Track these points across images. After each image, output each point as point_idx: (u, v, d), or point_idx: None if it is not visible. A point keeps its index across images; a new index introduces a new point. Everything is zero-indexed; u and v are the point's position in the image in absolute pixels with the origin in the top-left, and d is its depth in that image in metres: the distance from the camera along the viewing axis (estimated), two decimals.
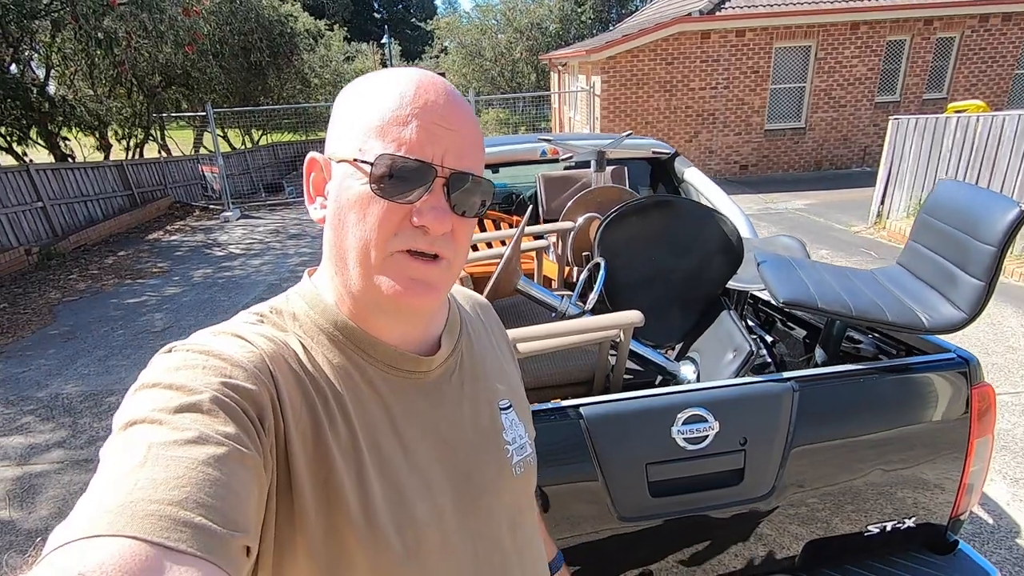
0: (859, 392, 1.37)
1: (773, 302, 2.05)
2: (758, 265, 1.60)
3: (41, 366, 4.47)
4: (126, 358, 4.53)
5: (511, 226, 3.20)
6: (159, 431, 0.41)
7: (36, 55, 8.80)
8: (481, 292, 1.67)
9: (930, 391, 1.38)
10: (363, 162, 0.51)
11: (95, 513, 0.36)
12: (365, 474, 0.52)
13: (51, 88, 9.30)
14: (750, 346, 1.46)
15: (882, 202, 6.99)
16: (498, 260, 1.61)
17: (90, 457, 3.19)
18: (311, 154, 0.56)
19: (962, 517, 1.48)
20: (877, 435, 1.36)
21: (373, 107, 0.52)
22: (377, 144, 0.50)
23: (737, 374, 1.46)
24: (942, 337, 1.50)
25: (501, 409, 0.66)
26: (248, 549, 0.41)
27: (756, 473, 1.32)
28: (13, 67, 8.18)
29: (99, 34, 7.92)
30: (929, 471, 1.41)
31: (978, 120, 5.76)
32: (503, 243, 2.55)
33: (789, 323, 2.05)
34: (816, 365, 1.65)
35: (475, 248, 2.53)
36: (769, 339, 1.96)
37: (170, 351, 0.49)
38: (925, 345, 1.53)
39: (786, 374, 1.35)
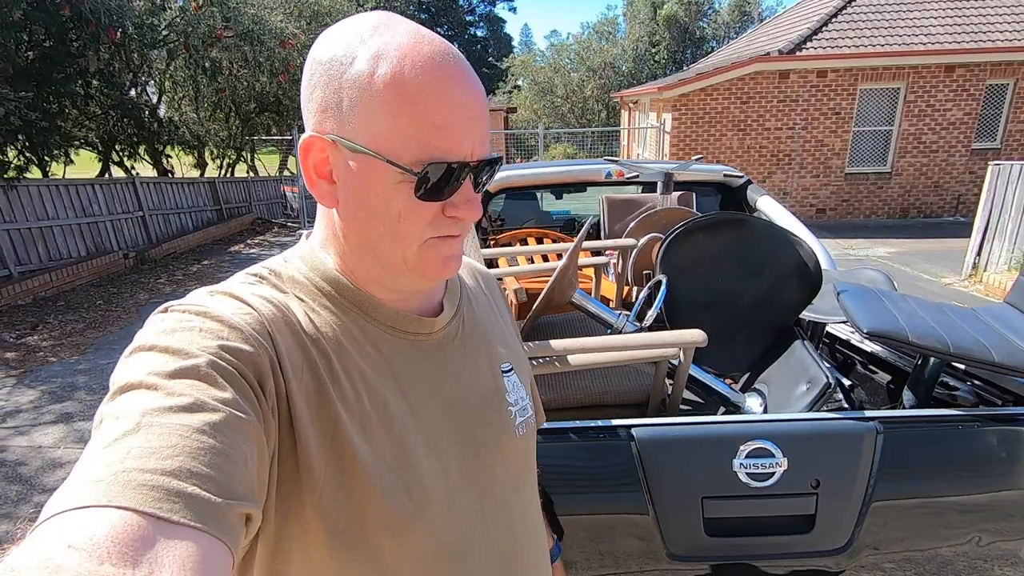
0: (955, 442, 1.20)
1: (855, 335, 1.87)
2: (838, 295, 1.46)
3: None
4: None
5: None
6: (154, 397, 0.40)
7: (152, 81, 9.78)
8: (534, 305, 1.62)
9: None
10: (402, 168, 0.49)
11: (87, 482, 0.35)
12: (371, 431, 0.52)
13: (161, 111, 10.27)
14: (827, 377, 1.32)
15: (978, 253, 6.42)
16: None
17: None
18: (311, 134, 0.51)
19: None
20: (975, 497, 1.18)
21: (393, 94, 0.47)
22: (413, 146, 0.48)
23: (811, 408, 1.32)
24: None
25: (503, 371, 0.66)
26: (249, 517, 0.40)
27: (830, 522, 1.18)
28: (132, 91, 9.11)
29: (206, 63, 8.73)
30: None
31: None
32: (560, 256, 2.49)
33: (871, 366, 1.86)
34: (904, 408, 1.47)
35: (531, 260, 2.49)
36: (847, 383, 1.78)
37: (166, 311, 0.47)
38: None
39: (869, 412, 1.21)
